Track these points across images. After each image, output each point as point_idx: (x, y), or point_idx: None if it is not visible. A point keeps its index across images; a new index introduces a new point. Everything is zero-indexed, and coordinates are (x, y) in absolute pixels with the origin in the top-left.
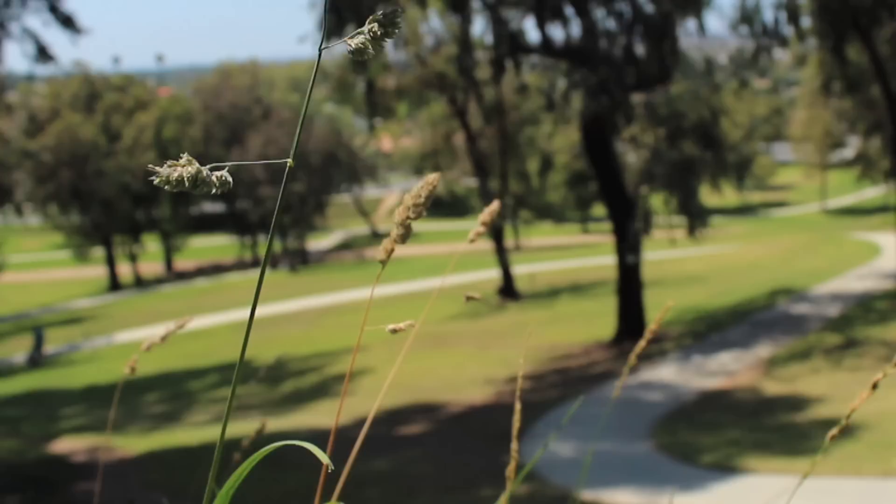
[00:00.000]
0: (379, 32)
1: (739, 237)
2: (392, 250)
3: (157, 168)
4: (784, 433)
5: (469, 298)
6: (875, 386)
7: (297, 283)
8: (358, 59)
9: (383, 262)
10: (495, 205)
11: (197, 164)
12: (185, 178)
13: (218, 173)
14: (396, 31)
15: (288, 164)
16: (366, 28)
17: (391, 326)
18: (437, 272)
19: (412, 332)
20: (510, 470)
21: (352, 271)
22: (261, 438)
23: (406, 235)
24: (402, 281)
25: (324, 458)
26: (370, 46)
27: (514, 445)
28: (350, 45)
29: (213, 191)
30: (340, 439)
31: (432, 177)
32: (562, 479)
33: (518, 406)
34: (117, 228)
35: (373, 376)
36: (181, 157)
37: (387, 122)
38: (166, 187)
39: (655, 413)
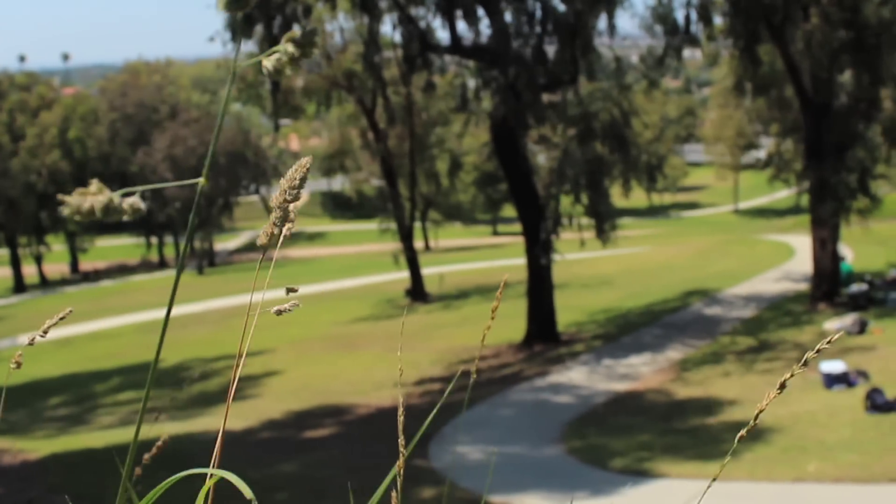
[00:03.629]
0: (297, 53)
1: (651, 239)
2: (271, 233)
3: (67, 198)
4: (695, 436)
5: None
6: (783, 386)
7: (204, 285)
8: (275, 80)
9: (265, 247)
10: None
11: (108, 192)
12: (96, 209)
13: (130, 200)
14: (315, 51)
15: (200, 184)
16: (281, 48)
17: (275, 308)
18: (345, 273)
19: (320, 335)
20: (398, 465)
21: (260, 272)
22: (167, 448)
23: (284, 218)
24: (309, 282)
25: (247, 492)
26: (287, 68)
27: (400, 440)
28: (267, 67)
29: (126, 218)
30: (247, 442)
31: (304, 160)
32: (471, 483)
33: (401, 400)
34: (22, 229)
35: (280, 378)
36: (91, 184)
37: (295, 121)
38: (76, 217)
39: (566, 416)
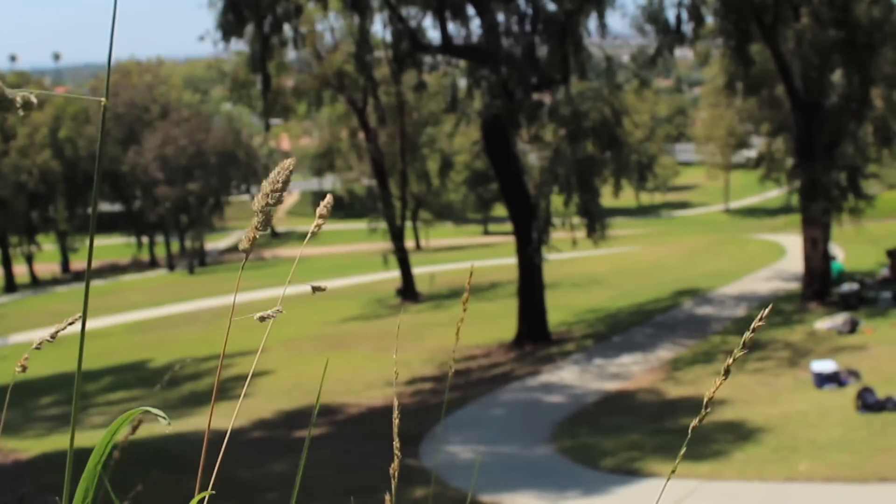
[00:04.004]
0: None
1: (642, 238)
2: (255, 239)
3: None
4: (686, 436)
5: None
6: (727, 372)
7: (195, 284)
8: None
9: (247, 251)
10: (329, 198)
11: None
12: None
13: (21, 92)
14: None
15: (103, 104)
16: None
17: (259, 314)
18: (337, 273)
19: (311, 335)
20: (393, 467)
21: (250, 271)
22: (141, 442)
23: (267, 223)
24: (300, 282)
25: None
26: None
27: (395, 443)
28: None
29: (18, 112)
30: (238, 442)
31: (287, 162)
32: (462, 483)
33: (396, 403)
34: (12, 228)
35: (272, 378)
36: None
37: (285, 121)
38: None
39: (557, 415)
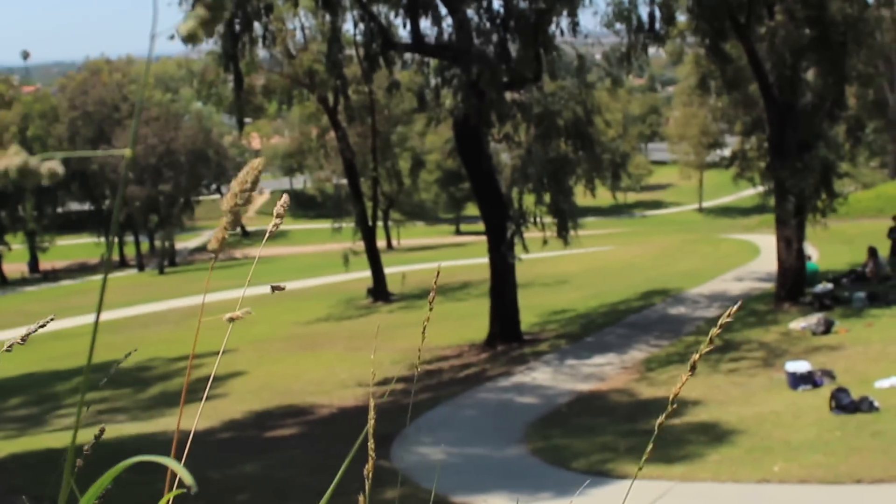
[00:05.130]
0: (208, 17)
1: (614, 238)
2: (223, 238)
3: None
4: (659, 437)
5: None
6: (693, 368)
7: (165, 284)
8: (191, 44)
9: (216, 251)
10: (285, 198)
11: (25, 154)
12: (11, 170)
13: (48, 164)
14: (225, 14)
15: (126, 155)
16: (193, 12)
17: (228, 315)
18: (307, 273)
19: (282, 335)
20: (367, 468)
21: (221, 271)
22: (112, 443)
23: (236, 223)
24: (270, 282)
25: (188, 478)
26: (200, 31)
27: (370, 444)
28: (181, 32)
29: (43, 182)
30: (208, 443)
31: (255, 162)
32: (434, 484)
33: (372, 403)
34: None
35: (242, 379)
36: (9, 147)
37: (256, 120)
38: None
39: (529, 416)
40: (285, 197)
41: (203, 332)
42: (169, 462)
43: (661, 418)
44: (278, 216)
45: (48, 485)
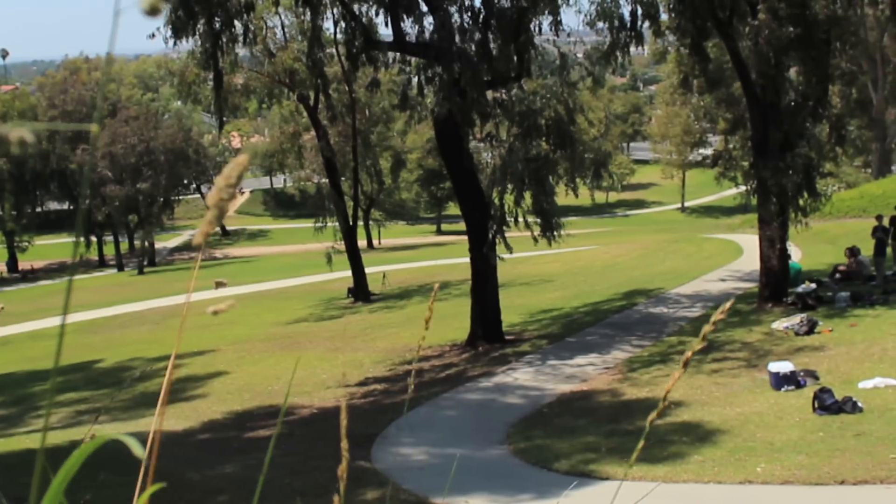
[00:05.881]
0: None
1: (596, 237)
2: (208, 233)
3: None
4: (642, 437)
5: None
6: (686, 364)
7: (145, 284)
8: (151, 16)
9: (200, 246)
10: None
11: None
12: None
13: (17, 132)
14: None
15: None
16: None
17: (211, 308)
18: (287, 272)
19: (262, 335)
20: (342, 469)
21: (201, 271)
22: (107, 449)
23: (221, 217)
24: (251, 281)
25: (138, 449)
26: (161, 4)
27: (343, 444)
28: (144, 7)
29: (13, 150)
30: (188, 443)
31: (242, 157)
32: (415, 485)
33: (344, 404)
34: None
35: (222, 379)
36: None
37: (236, 119)
38: None
39: (511, 417)
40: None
41: (184, 332)
42: (122, 437)
43: (652, 415)
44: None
45: (27, 486)
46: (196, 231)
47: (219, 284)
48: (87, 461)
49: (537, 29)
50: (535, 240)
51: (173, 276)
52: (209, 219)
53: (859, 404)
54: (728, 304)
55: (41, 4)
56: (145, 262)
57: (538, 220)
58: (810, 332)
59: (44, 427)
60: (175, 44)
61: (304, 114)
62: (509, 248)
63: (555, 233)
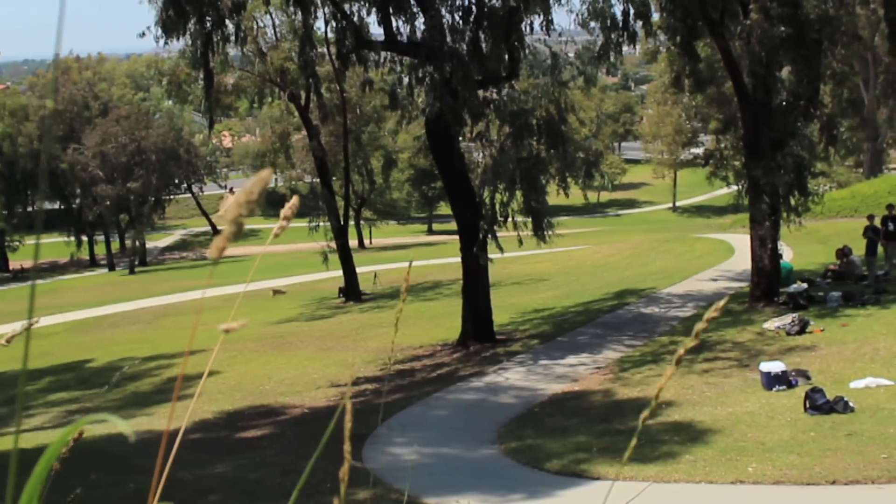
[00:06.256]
0: None
1: (588, 237)
2: (224, 248)
3: None
4: (633, 437)
5: (276, 293)
6: (678, 362)
7: (136, 284)
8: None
9: (215, 261)
10: (295, 199)
11: None
12: None
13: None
14: None
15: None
16: None
17: (224, 326)
18: (279, 272)
19: (253, 335)
20: (343, 472)
21: (191, 271)
22: (85, 443)
23: (238, 233)
24: (242, 281)
25: (126, 428)
26: None
27: (346, 447)
28: None
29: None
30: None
31: (265, 172)
32: (406, 484)
33: (349, 406)
34: None
35: (213, 379)
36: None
37: (228, 119)
38: None
39: (502, 416)
40: (295, 199)
41: (175, 331)
42: (109, 417)
43: (645, 413)
44: (285, 218)
45: (19, 486)
46: (212, 244)
47: (276, 292)
48: (77, 460)
49: (528, 28)
50: (521, 241)
51: (164, 276)
52: (227, 234)
53: (851, 404)
54: (722, 303)
55: (33, 4)
56: (136, 262)
57: (528, 220)
58: (802, 331)
59: (16, 430)
60: (166, 43)
61: (296, 113)
62: (500, 249)
63: (546, 232)
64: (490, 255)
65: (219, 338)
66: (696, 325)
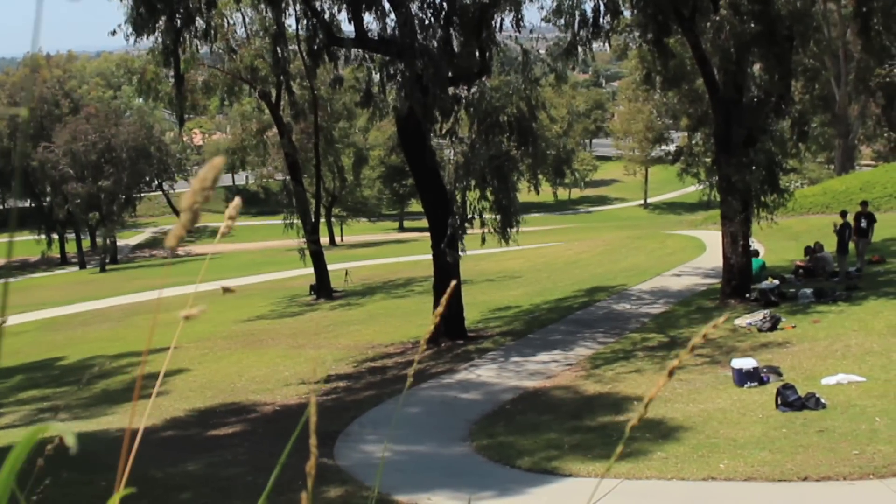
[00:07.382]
0: None
1: (559, 234)
2: (182, 236)
3: None
4: (605, 435)
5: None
6: (671, 373)
7: (107, 282)
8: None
9: (173, 249)
10: (237, 200)
11: None
12: None
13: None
14: None
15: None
16: None
17: (184, 312)
18: (249, 270)
19: (225, 332)
20: (310, 466)
21: (162, 269)
22: (50, 438)
23: (195, 220)
24: (213, 279)
25: (71, 440)
26: None
27: (312, 440)
28: None
29: None
30: (150, 441)
31: (217, 160)
32: (377, 482)
33: (314, 400)
34: None
35: (185, 376)
36: None
37: (198, 116)
38: None
39: (474, 414)
40: (237, 199)
41: (146, 330)
42: (58, 426)
43: (633, 421)
44: (230, 218)
45: None
46: (169, 233)
47: (226, 290)
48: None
49: (499, 25)
50: (483, 239)
51: (135, 274)
52: (183, 222)
53: (822, 401)
54: (721, 319)
55: (2, 2)
56: (107, 260)
57: (495, 219)
58: (773, 328)
59: None
60: (136, 41)
61: (266, 111)
62: (463, 249)
63: (509, 230)
64: (461, 252)
65: (187, 337)
66: (693, 340)
